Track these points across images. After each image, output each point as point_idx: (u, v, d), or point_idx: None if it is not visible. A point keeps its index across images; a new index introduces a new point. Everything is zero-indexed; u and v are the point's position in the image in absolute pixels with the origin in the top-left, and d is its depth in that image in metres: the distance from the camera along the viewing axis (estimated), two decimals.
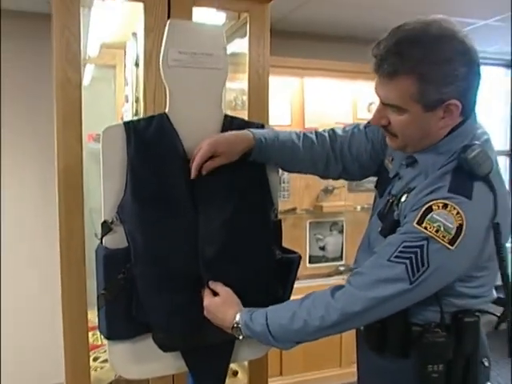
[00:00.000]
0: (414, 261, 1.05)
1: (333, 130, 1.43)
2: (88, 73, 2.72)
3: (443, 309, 1.15)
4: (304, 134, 1.39)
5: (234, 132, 1.33)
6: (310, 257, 3.39)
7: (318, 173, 1.44)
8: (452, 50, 1.06)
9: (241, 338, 1.23)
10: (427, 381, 1.16)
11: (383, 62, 1.09)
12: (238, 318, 1.22)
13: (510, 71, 4.56)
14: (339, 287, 1.16)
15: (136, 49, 1.97)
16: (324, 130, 1.43)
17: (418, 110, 1.10)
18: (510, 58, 4.36)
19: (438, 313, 1.16)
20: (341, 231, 3.47)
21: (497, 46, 3.92)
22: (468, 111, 1.13)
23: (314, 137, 1.39)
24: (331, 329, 1.14)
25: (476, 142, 1.12)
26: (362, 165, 1.41)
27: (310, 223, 3.40)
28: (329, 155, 1.39)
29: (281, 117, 3.23)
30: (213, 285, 1.30)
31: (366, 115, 3.23)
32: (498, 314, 1.19)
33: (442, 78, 1.06)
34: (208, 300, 1.28)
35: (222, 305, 1.27)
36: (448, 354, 1.16)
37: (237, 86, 2.40)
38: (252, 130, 1.35)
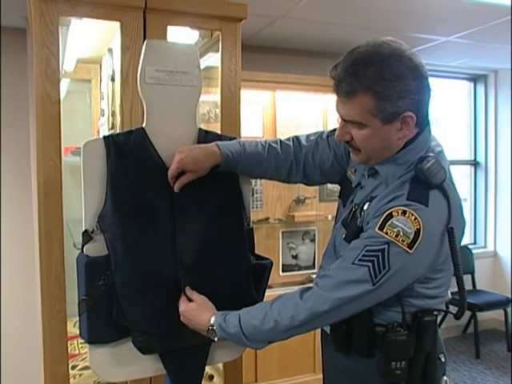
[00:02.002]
0: (376, 264, 1.13)
1: (297, 138, 1.50)
2: (64, 87, 2.71)
3: (404, 309, 1.23)
4: (269, 145, 1.46)
5: (201, 149, 1.38)
6: (282, 265, 3.43)
7: (280, 179, 1.52)
8: (402, 66, 1.15)
9: (216, 339, 1.30)
10: (391, 377, 1.24)
11: (341, 83, 1.18)
12: (212, 320, 1.29)
13: (473, 84, 4.70)
14: (307, 289, 1.23)
15: (112, 64, 2.01)
16: (288, 139, 1.50)
17: (377, 123, 1.18)
18: (473, 72, 4.52)
19: (399, 313, 1.24)
20: (313, 240, 3.51)
21: (461, 61, 4.06)
22: (422, 122, 1.23)
23: (278, 147, 1.46)
24: (300, 328, 1.21)
25: (430, 154, 1.22)
26: (323, 172, 1.49)
27: (283, 232, 3.44)
28: (292, 164, 1.47)
29: (253, 129, 3.28)
30: (188, 292, 1.36)
31: (335, 127, 3.31)
32: (454, 312, 1.28)
33: (395, 93, 1.15)
34: (184, 306, 1.35)
35: (197, 309, 1.34)
36: (410, 352, 1.24)
37: (210, 98, 2.45)
38: (219, 144, 1.41)
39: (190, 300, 1.36)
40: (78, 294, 1.35)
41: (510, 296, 4.21)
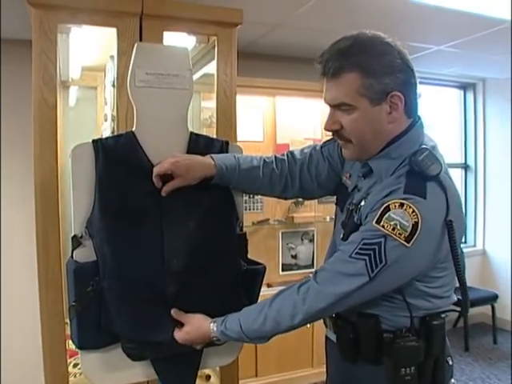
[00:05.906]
0: (372, 257, 1.04)
1: (291, 152, 1.40)
2: (73, 94, 2.68)
3: (412, 313, 1.12)
4: (264, 161, 1.36)
5: (196, 158, 1.29)
6: (282, 265, 3.33)
7: (274, 195, 1.42)
8: (385, 46, 1.10)
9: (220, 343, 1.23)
10: None
11: (328, 62, 1.10)
12: (214, 331, 1.20)
13: (462, 92, 4.61)
14: (305, 282, 1.13)
15: (113, 70, 1.93)
16: (283, 154, 1.40)
17: (366, 105, 1.09)
18: (462, 80, 4.43)
19: (407, 318, 1.13)
20: (311, 240, 3.41)
21: (451, 69, 3.96)
22: (412, 110, 1.13)
23: (273, 164, 1.36)
24: (300, 324, 1.13)
25: (424, 146, 1.12)
26: (319, 183, 1.38)
27: (283, 233, 3.33)
28: (287, 179, 1.36)
29: (254, 133, 3.20)
30: (175, 314, 1.25)
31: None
32: (459, 309, 1.17)
33: (381, 69, 1.07)
34: (179, 335, 1.24)
35: (191, 329, 1.23)
36: (419, 357, 1.13)
37: (212, 104, 2.36)
38: (214, 156, 1.31)
39: (177, 321, 1.25)
40: (68, 299, 1.25)
41: (497, 292, 4.12)
